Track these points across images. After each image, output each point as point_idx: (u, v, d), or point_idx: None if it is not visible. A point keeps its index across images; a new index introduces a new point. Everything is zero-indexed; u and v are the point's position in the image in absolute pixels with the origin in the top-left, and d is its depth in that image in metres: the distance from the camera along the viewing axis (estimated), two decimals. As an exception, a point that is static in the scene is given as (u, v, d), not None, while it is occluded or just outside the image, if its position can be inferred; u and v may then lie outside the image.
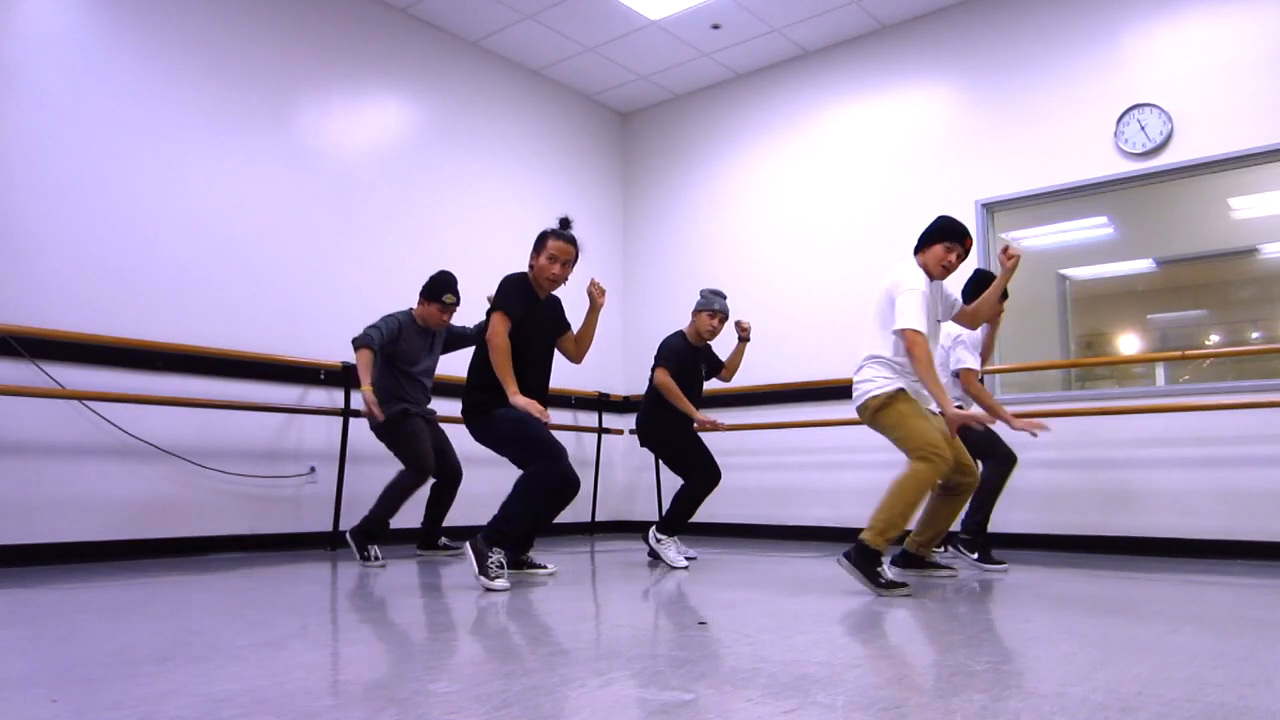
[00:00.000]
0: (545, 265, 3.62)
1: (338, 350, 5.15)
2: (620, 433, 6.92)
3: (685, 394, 4.38)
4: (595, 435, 6.68)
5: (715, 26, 6.07)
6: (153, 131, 4.63)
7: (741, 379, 6.22)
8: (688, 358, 4.48)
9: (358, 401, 4.88)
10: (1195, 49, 4.94)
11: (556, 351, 3.85)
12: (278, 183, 5.14)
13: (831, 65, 6.36)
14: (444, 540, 4.76)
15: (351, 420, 5.01)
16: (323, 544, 5.00)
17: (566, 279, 3.68)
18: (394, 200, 5.75)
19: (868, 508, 5.76)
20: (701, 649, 2.12)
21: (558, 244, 3.63)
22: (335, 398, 5.12)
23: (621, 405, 7.00)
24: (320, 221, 5.33)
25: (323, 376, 5.10)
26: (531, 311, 3.62)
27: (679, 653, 2.07)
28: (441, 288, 4.54)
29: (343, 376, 5.05)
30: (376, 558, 4.21)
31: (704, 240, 6.86)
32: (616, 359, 7.12)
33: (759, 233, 6.63)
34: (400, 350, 4.46)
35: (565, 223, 3.74)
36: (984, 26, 5.70)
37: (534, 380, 3.62)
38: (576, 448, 6.56)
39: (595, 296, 3.82)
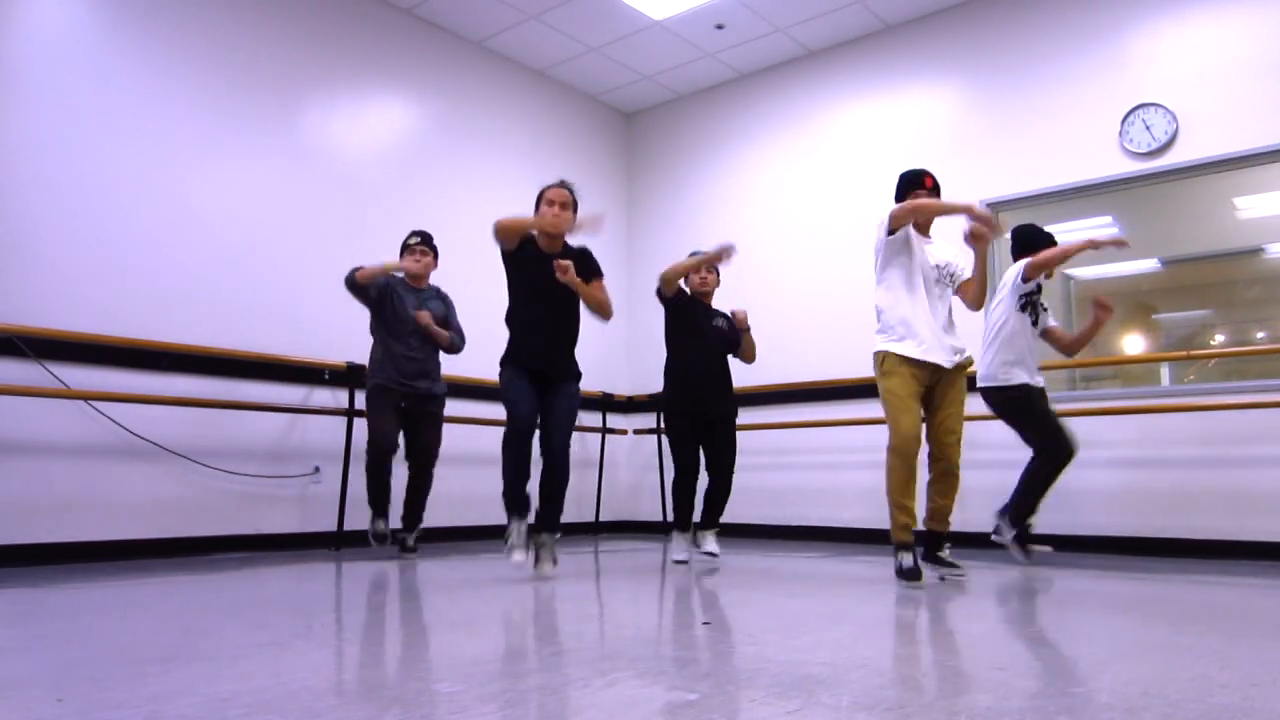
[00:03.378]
0: (544, 210, 3.70)
1: (342, 350, 5.15)
2: (624, 433, 6.92)
3: (695, 347, 4.25)
4: (599, 435, 6.67)
5: (719, 26, 6.07)
6: (157, 132, 4.64)
7: (744, 379, 6.23)
8: (687, 304, 4.31)
9: (362, 401, 4.87)
10: (1200, 48, 4.93)
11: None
12: (282, 183, 5.15)
13: (835, 65, 6.36)
14: (406, 538, 4.66)
15: (356, 420, 5.01)
16: (327, 544, 5.01)
17: (569, 224, 3.70)
18: (398, 200, 5.75)
19: (872, 508, 5.74)
20: (706, 649, 2.12)
21: (551, 190, 3.74)
22: (340, 397, 5.12)
23: (625, 405, 6.99)
24: (325, 221, 5.34)
25: (327, 376, 5.10)
26: (528, 262, 3.69)
27: (683, 652, 2.07)
28: (407, 237, 4.75)
29: (347, 376, 5.05)
30: (377, 535, 4.48)
31: (708, 240, 6.81)
32: (620, 359, 7.12)
33: (763, 233, 6.62)
34: (390, 314, 4.53)
35: (563, 182, 3.83)
36: (988, 26, 5.69)
37: (541, 340, 3.67)
38: (580, 448, 6.56)
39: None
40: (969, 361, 3.68)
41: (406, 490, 4.64)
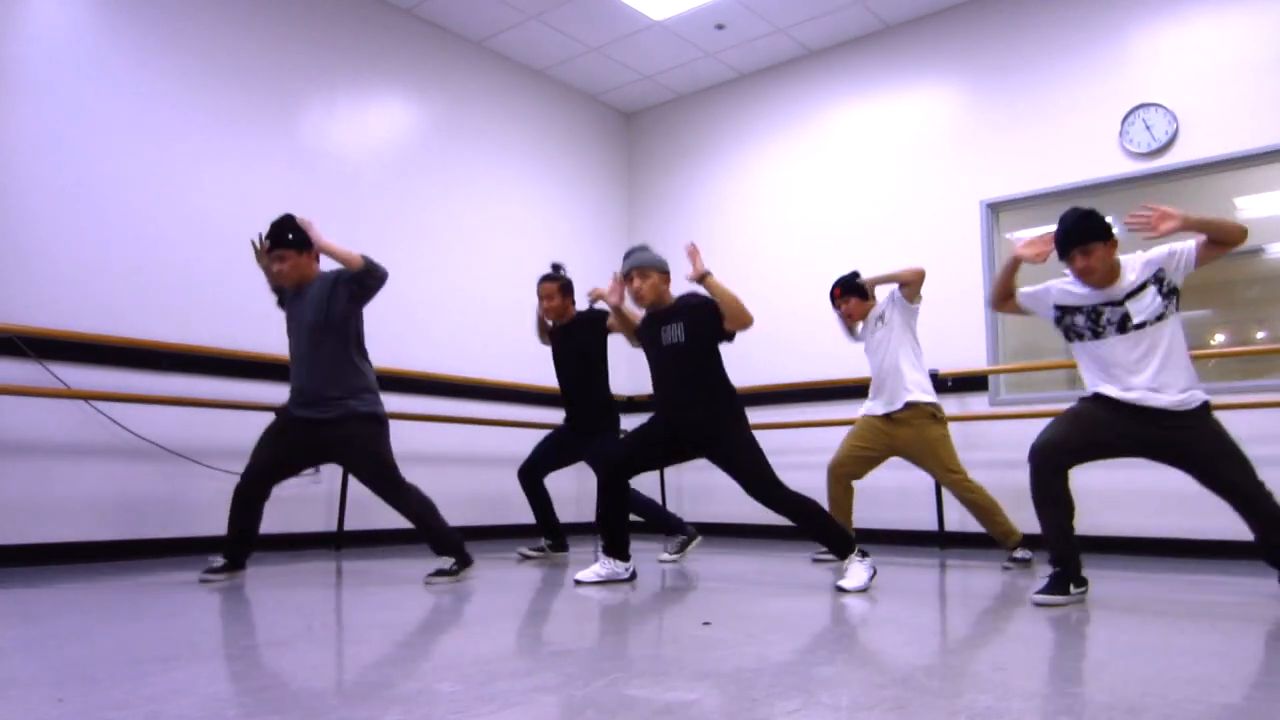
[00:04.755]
0: (538, 305, 4.63)
1: (342, 350, 5.15)
2: (624, 433, 6.91)
3: (653, 371, 3.58)
4: (599, 435, 6.67)
5: (719, 26, 6.07)
6: (157, 132, 4.64)
7: (745, 379, 6.22)
8: (643, 324, 3.64)
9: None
10: (1201, 48, 4.93)
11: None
12: (282, 183, 5.15)
13: (835, 65, 6.36)
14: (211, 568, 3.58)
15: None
16: (327, 544, 5.01)
17: (561, 307, 4.58)
18: (399, 201, 5.76)
19: (872, 508, 5.72)
20: (705, 649, 2.12)
21: (540, 286, 4.60)
22: (340, 398, 5.12)
23: (625, 406, 6.99)
24: (325, 222, 5.30)
25: (327, 376, 5.09)
26: (553, 338, 4.67)
27: (683, 653, 2.07)
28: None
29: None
30: (207, 571, 3.55)
31: (708, 240, 6.85)
32: (620, 359, 7.11)
33: (763, 233, 6.62)
34: (287, 315, 3.71)
35: (555, 267, 4.63)
36: (989, 26, 5.69)
37: (565, 398, 4.62)
38: (580, 448, 6.55)
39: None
40: (913, 409, 4.24)
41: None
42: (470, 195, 6.20)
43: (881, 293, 4.45)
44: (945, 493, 5.26)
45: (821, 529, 3.37)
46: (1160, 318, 3.05)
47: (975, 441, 5.40)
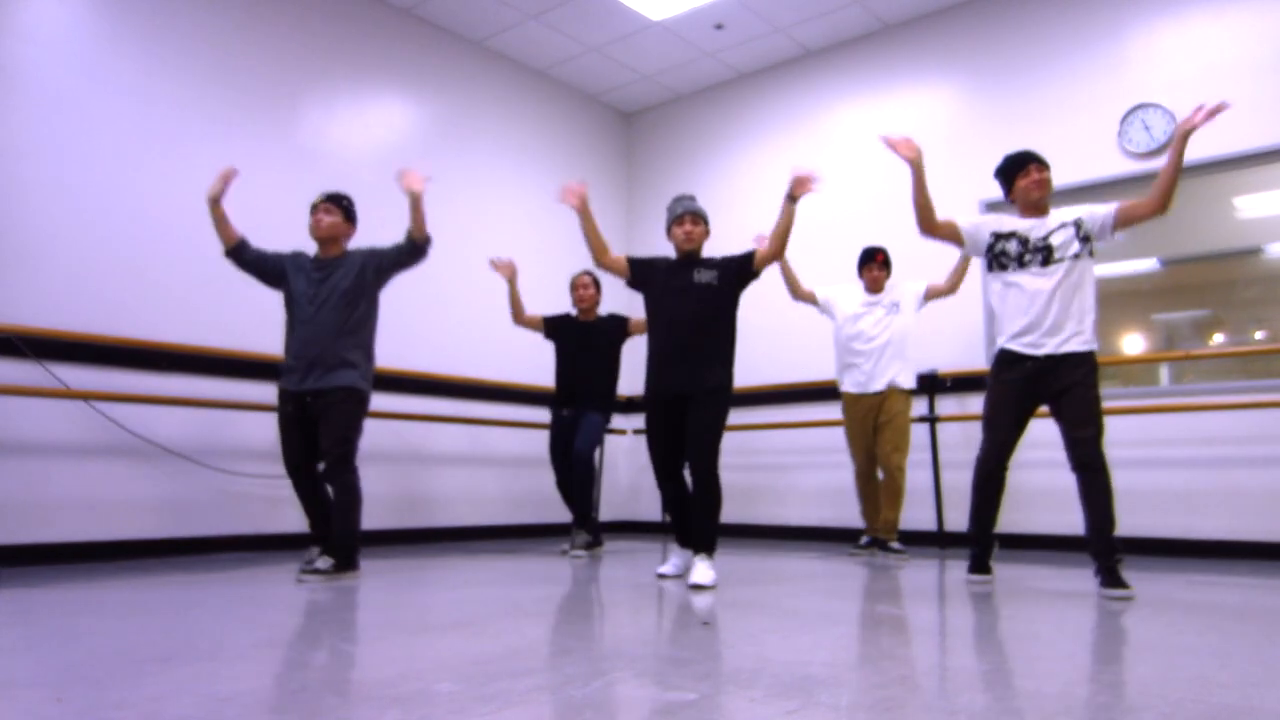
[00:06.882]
0: (574, 295, 5.08)
1: (342, 350, 5.15)
2: (624, 433, 6.92)
3: (666, 314, 3.68)
4: (599, 435, 6.67)
5: (718, 26, 6.07)
6: (157, 132, 4.64)
7: (745, 379, 6.22)
8: (661, 271, 3.77)
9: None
10: (1199, 48, 4.93)
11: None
12: (282, 183, 5.14)
13: (834, 65, 6.36)
14: (311, 562, 3.71)
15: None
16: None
17: (595, 299, 5.07)
18: (398, 201, 5.73)
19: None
20: (705, 649, 2.12)
21: (578, 278, 5.09)
22: (339, 398, 5.12)
23: (625, 406, 7.00)
24: (324, 222, 5.34)
25: (327, 377, 5.09)
26: (565, 333, 5.00)
27: (682, 653, 2.07)
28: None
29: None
30: (303, 567, 3.70)
31: (708, 240, 6.86)
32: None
33: (763, 232, 6.62)
34: (287, 290, 3.85)
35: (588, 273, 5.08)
36: (987, 26, 5.69)
37: (569, 382, 4.95)
38: (580, 448, 6.55)
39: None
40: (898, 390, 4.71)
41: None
42: (470, 195, 6.20)
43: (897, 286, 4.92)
44: (945, 492, 5.27)
45: (714, 522, 3.57)
46: (1077, 256, 3.44)
47: (976, 440, 5.40)
